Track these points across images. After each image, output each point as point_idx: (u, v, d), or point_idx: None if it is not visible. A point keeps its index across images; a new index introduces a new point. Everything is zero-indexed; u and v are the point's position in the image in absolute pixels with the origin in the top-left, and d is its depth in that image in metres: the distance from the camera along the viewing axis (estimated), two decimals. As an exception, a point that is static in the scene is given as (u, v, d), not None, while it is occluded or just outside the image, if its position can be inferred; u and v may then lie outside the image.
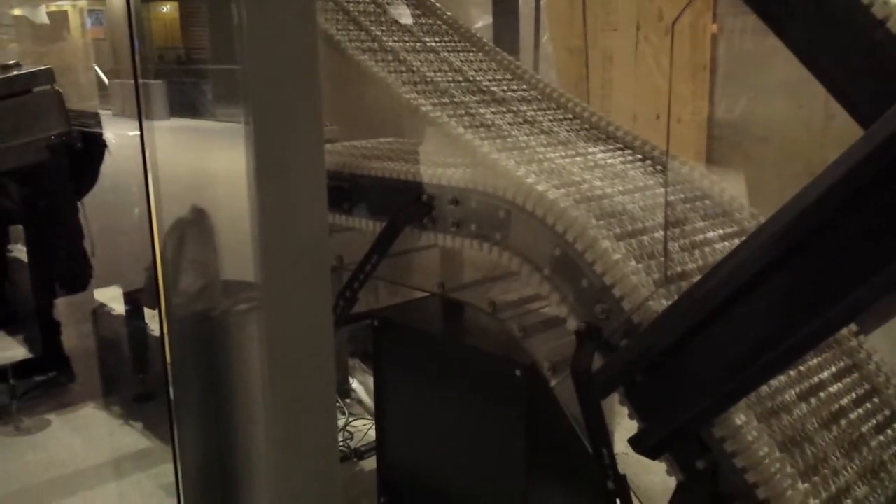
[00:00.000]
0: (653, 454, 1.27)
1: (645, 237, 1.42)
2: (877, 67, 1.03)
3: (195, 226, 1.68)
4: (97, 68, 5.58)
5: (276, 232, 1.01)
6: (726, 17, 3.14)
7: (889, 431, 1.37)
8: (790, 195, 1.02)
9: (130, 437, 2.57)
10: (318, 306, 1.08)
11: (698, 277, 1.38)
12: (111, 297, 2.78)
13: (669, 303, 1.28)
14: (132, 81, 1.58)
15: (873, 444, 1.32)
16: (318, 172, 1.02)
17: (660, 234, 1.45)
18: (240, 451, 1.49)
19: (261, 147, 0.95)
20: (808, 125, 2.85)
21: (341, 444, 2.48)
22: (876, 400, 1.40)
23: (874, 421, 1.37)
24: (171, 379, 1.59)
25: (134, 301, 2.63)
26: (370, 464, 2.25)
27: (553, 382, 1.45)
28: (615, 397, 1.32)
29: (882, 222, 0.95)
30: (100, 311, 2.79)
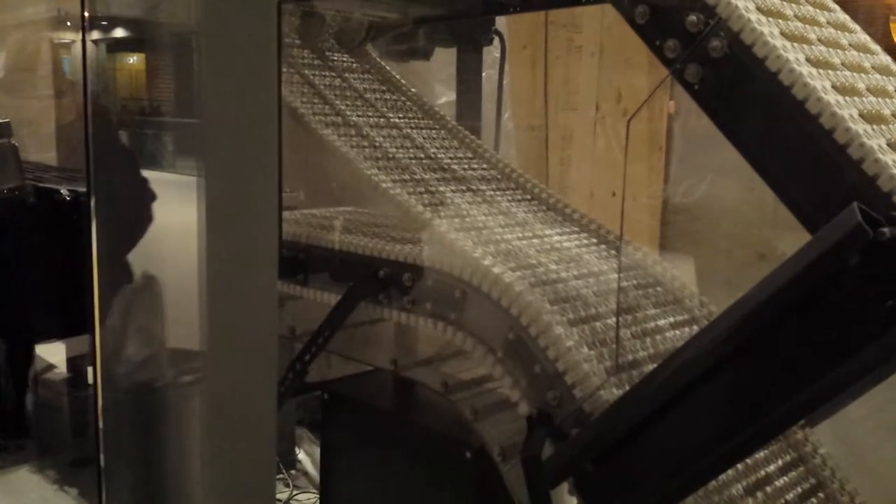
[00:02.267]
0: (601, 547, 1.26)
1: (598, 323, 1.44)
2: (823, 175, 1.06)
3: (141, 293, 1.65)
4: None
5: (224, 292, 0.99)
6: (683, 97, 3.24)
7: (834, 528, 1.38)
8: (738, 282, 1.05)
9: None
10: (263, 377, 1.06)
11: (649, 366, 1.40)
12: (57, 359, 2.71)
13: (620, 392, 1.28)
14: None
15: (818, 540, 1.33)
16: (272, 232, 1.02)
17: (612, 320, 1.46)
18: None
19: (213, 200, 0.94)
20: (759, 208, 2.92)
21: (285, 517, 2.41)
22: (821, 495, 1.41)
23: (819, 517, 1.38)
24: (103, 446, 1.54)
25: (77, 365, 2.57)
26: (314, 540, 2.19)
27: (503, 468, 1.44)
28: (565, 486, 1.31)
29: (828, 328, 0.97)
30: (41, 373, 2.71)
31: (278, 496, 2.49)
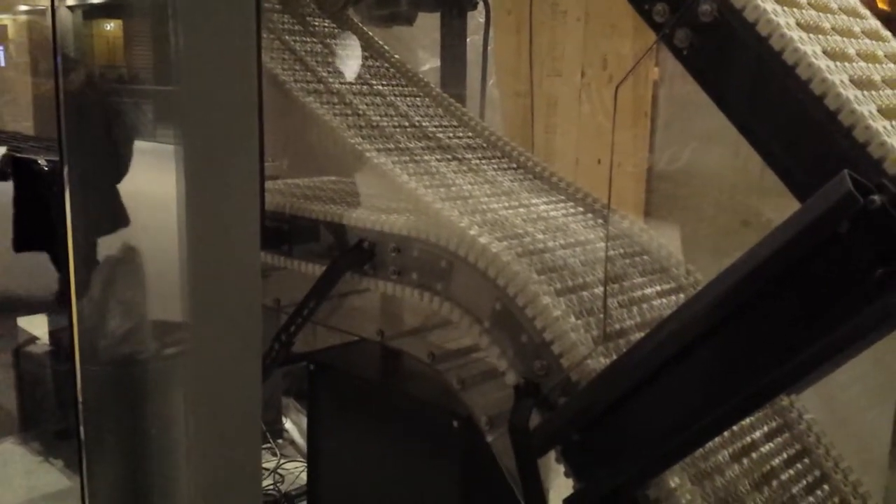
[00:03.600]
0: (588, 515, 1.26)
1: (585, 293, 1.43)
2: (812, 142, 1.05)
3: (121, 264, 1.62)
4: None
5: (206, 263, 0.98)
6: (668, 61, 3.21)
7: (819, 492, 1.39)
8: (723, 249, 1.04)
9: (49, 476, 2.46)
10: (246, 348, 1.05)
11: (636, 335, 1.40)
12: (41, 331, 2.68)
13: (607, 361, 1.28)
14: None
15: (803, 505, 1.34)
16: (253, 202, 1.00)
17: (599, 289, 1.45)
18: (157, 494, 1.44)
19: (193, 170, 0.93)
20: (744, 174, 2.92)
21: (271, 487, 2.42)
22: (806, 461, 1.42)
23: (804, 482, 1.39)
24: (83, 418, 1.53)
25: (60, 336, 2.55)
26: (301, 509, 2.20)
27: (490, 438, 1.44)
28: (552, 454, 1.31)
29: (817, 296, 0.97)
30: (24, 344, 2.68)
31: (265, 465, 2.49)
